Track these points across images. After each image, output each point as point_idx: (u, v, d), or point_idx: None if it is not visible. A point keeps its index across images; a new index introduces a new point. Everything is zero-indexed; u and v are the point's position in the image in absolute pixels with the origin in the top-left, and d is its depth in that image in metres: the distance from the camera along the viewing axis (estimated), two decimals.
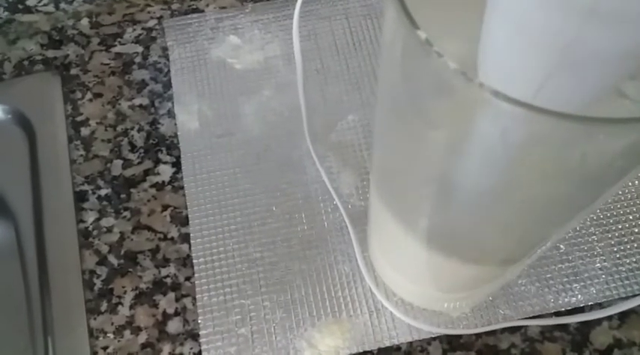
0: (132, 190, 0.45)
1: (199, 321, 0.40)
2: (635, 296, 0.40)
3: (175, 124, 0.48)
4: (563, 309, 0.40)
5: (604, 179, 0.20)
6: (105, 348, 0.40)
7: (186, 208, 0.44)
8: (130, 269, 0.42)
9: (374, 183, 0.33)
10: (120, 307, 0.41)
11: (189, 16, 0.53)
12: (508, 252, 0.29)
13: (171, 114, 0.48)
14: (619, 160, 0.18)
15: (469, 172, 0.22)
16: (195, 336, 0.40)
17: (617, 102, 0.22)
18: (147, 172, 0.46)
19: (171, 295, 0.42)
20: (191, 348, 0.40)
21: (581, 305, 0.40)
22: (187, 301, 0.41)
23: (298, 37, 0.42)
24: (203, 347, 0.40)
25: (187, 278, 0.42)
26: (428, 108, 0.21)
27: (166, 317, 0.41)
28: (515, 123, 0.17)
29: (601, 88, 0.19)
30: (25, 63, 0.51)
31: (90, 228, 0.44)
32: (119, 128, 0.48)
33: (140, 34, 0.52)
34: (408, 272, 0.38)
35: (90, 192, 0.45)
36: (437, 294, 0.39)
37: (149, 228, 0.44)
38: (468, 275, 0.33)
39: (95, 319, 0.41)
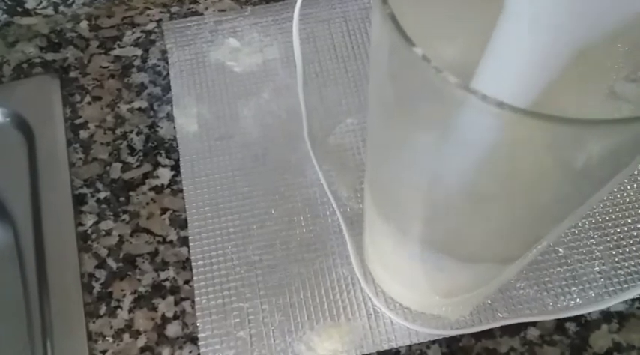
0: (131, 193, 0.45)
1: (198, 324, 0.40)
2: (634, 299, 0.40)
3: (174, 127, 0.48)
4: (563, 316, 0.40)
5: (596, 177, 0.20)
6: (104, 352, 0.40)
7: (185, 211, 0.44)
8: (129, 273, 0.42)
9: (368, 187, 0.33)
10: (119, 310, 0.41)
11: (188, 19, 0.53)
12: (503, 252, 0.29)
13: (170, 117, 0.48)
14: (611, 158, 0.18)
15: (460, 175, 0.22)
16: (194, 339, 0.40)
17: (614, 105, 0.22)
18: (146, 175, 0.46)
19: (171, 298, 0.42)
20: (190, 352, 0.40)
21: (580, 309, 0.40)
22: (186, 304, 0.41)
23: (298, 39, 0.42)
24: (202, 350, 0.40)
25: (186, 282, 0.42)
26: (417, 112, 0.21)
27: (165, 320, 0.41)
28: (518, 131, 0.17)
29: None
30: (24, 66, 0.51)
31: (89, 231, 0.44)
32: (118, 131, 0.48)
33: (139, 37, 0.52)
34: (404, 277, 0.38)
35: (89, 195, 0.45)
36: (434, 298, 0.39)
37: (148, 231, 0.44)
38: (464, 277, 0.33)
39: (94, 322, 0.41)
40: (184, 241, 0.43)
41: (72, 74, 0.51)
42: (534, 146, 0.18)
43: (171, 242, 0.43)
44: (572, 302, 0.40)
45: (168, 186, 0.46)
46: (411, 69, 0.18)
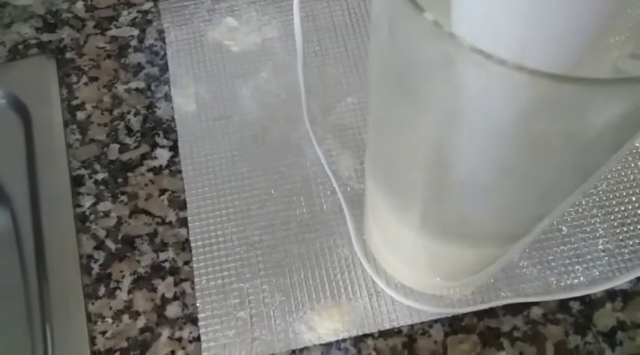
0: (129, 174, 0.45)
1: (198, 305, 0.40)
2: (639, 277, 0.40)
3: (172, 108, 0.47)
4: (567, 296, 0.39)
5: (603, 147, 0.20)
6: (103, 333, 0.40)
7: (184, 192, 0.44)
8: (128, 254, 0.42)
9: (368, 167, 0.33)
10: (118, 291, 0.41)
11: None
12: (505, 232, 0.29)
13: (167, 97, 0.48)
14: (617, 127, 0.18)
15: (463, 150, 0.21)
16: (194, 320, 0.40)
17: None
18: (144, 156, 0.46)
19: (170, 279, 0.41)
20: (190, 332, 0.39)
21: (584, 287, 0.40)
22: (186, 285, 0.41)
23: (299, 18, 0.42)
24: (202, 330, 0.39)
25: (186, 263, 0.42)
26: (423, 84, 0.20)
27: (165, 301, 0.41)
28: (532, 97, 0.16)
29: (586, 40, 0.18)
30: (20, 47, 0.50)
31: (87, 213, 0.43)
32: (115, 112, 0.47)
33: (136, 17, 0.52)
34: (406, 257, 0.37)
35: (86, 176, 0.45)
36: (436, 280, 0.38)
37: (147, 213, 0.43)
38: (466, 260, 0.33)
39: (93, 304, 0.40)
40: (183, 222, 0.43)
41: (68, 55, 0.50)
42: (544, 114, 0.17)
43: (170, 223, 0.43)
44: (576, 280, 0.40)
45: (167, 166, 0.45)
46: (419, 37, 0.17)
